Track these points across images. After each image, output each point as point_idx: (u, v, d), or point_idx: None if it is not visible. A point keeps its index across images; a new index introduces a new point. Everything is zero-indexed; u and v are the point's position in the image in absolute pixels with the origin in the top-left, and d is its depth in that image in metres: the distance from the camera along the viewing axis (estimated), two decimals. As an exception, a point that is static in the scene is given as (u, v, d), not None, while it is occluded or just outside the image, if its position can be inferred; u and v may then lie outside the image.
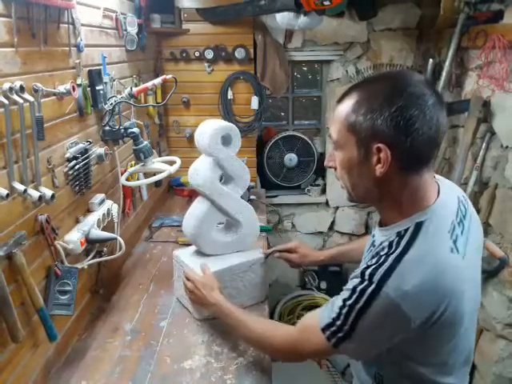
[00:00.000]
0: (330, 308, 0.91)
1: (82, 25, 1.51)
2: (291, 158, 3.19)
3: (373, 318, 0.83)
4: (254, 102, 2.86)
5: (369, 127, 0.82)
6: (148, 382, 1.26)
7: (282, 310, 3.14)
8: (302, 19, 2.44)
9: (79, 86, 1.47)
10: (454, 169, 2.30)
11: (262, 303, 1.63)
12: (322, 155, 3.28)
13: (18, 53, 1.14)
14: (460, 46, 2.31)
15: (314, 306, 3.12)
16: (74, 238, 1.39)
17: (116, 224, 1.71)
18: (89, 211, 1.57)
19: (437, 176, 0.98)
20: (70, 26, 1.43)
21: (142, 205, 2.32)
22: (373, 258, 0.88)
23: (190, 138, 2.91)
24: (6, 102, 1.05)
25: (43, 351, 1.26)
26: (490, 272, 2.02)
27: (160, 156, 2.57)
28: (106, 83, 1.72)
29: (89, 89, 1.58)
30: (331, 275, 3.23)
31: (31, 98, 1.13)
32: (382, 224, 0.96)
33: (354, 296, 0.84)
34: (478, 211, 2.19)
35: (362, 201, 0.99)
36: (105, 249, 1.62)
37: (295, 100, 3.37)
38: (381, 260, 0.84)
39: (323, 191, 3.30)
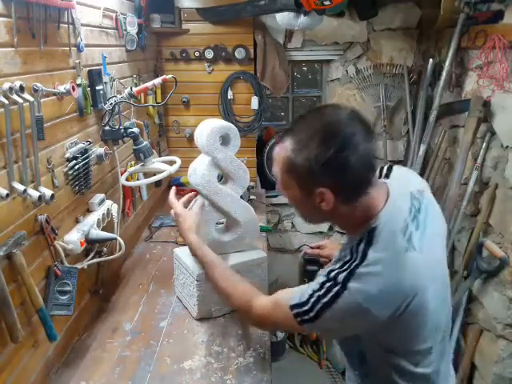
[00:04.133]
0: (302, 291, 0.96)
1: (82, 25, 1.51)
2: (291, 158, 3.18)
3: (336, 313, 0.89)
4: (254, 102, 2.86)
5: (308, 173, 0.88)
6: (148, 382, 1.26)
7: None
8: (302, 19, 2.44)
9: (79, 85, 1.47)
10: (453, 169, 2.29)
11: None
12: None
13: (18, 53, 1.14)
14: (460, 46, 2.30)
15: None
16: (73, 238, 1.39)
17: (116, 224, 1.71)
18: (88, 211, 1.57)
19: (395, 169, 1.04)
20: (70, 25, 1.43)
21: (142, 205, 2.32)
22: (336, 262, 0.94)
23: (190, 138, 2.91)
24: (5, 101, 1.05)
25: (43, 351, 1.26)
26: (491, 272, 2.02)
27: (160, 156, 2.57)
28: (105, 83, 1.72)
29: (89, 89, 1.58)
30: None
31: (31, 98, 1.13)
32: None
33: (322, 291, 0.91)
34: (478, 211, 2.19)
35: (316, 224, 1.08)
36: (104, 249, 1.62)
37: (295, 100, 3.36)
38: (345, 266, 0.90)
39: (323, 191, 3.29)
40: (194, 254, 1.35)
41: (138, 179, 2.05)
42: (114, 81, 1.82)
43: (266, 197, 3.06)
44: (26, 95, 1.12)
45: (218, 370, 1.30)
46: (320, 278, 0.94)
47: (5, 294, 1.03)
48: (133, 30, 2.05)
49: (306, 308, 0.93)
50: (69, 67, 1.45)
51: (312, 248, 1.53)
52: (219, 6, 2.68)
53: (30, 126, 1.16)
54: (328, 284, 0.90)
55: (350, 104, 3.06)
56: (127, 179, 1.82)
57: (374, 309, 0.87)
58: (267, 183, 3.23)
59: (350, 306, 0.88)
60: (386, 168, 1.07)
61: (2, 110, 1.05)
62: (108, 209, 1.64)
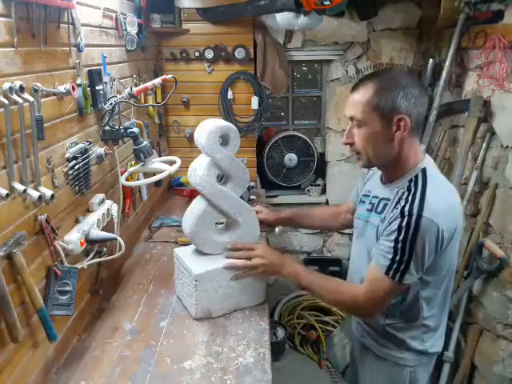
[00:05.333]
0: (382, 255, 1.13)
1: (82, 25, 1.51)
2: (291, 158, 3.19)
3: (423, 237, 1.07)
4: (254, 102, 2.86)
5: (390, 104, 1.11)
6: (148, 382, 1.26)
7: (282, 311, 3.14)
8: (302, 19, 2.44)
9: (79, 85, 1.47)
10: (454, 169, 2.29)
11: (262, 304, 1.63)
12: (322, 155, 3.28)
13: (18, 53, 1.14)
14: (460, 46, 2.31)
15: (313, 307, 3.12)
16: (73, 238, 1.39)
17: (116, 224, 1.71)
18: (88, 211, 1.57)
19: None
20: (70, 25, 1.42)
21: (142, 205, 2.32)
22: (400, 201, 1.14)
23: (190, 138, 2.91)
24: (5, 101, 1.04)
25: (43, 351, 1.26)
26: (491, 272, 2.02)
27: (160, 156, 2.57)
28: (105, 83, 1.72)
29: (89, 89, 1.58)
30: (331, 275, 3.22)
31: (31, 98, 1.13)
32: (384, 182, 1.26)
33: (403, 230, 1.08)
34: (478, 211, 2.19)
35: (377, 164, 1.24)
36: (104, 249, 1.62)
37: (295, 100, 3.37)
38: (410, 198, 1.11)
39: (323, 191, 3.30)
40: (298, 282, 1.40)
41: (137, 179, 2.05)
42: (114, 81, 1.82)
43: (266, 197, 3.07)
44: (26, 95, 1.12)
45: (218, 369, 1.30)
46: (391, 227, 1.11)
47: (5, 294, 1.03)
48: (133, 29, 2.05)
49: (397, 258, 1.09)
50: (69, 67, 1.45)
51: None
52: (219, 6, 2.68)
53: (29, 126, 1.16)
54: (405, 221, 1.08)
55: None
56: (127, 179, 1.82)
57: (443, 224, 1.07)
58: (267, 183, 3.23)
59: (429, 226, 1.06)
60: None
61: (2, 109, 1.05)
62: (108, 209, 1.64)
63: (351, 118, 1.18)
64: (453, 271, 1.24)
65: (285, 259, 1.44)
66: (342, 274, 3.22)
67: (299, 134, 3.18)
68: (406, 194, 1.12)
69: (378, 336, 1.32)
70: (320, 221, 1.71)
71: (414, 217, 1.07)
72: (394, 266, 1.10)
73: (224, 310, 1.56)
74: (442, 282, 1.21)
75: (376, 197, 1.27)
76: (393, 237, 1.10)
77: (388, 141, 1.14)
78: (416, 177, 1.15)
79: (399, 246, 1.09)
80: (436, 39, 2.72)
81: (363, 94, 1.14)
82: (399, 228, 1.09)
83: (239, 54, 2.78)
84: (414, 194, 1.11)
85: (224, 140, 1.48)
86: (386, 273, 1.12)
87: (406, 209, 1.09)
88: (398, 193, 1.17)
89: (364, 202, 1.33)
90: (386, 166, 1.23)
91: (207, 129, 1.44)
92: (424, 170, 1.16)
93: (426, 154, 1.23)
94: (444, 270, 1.19)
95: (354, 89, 1.18)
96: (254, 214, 1.61)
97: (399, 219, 1.09)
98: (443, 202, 1.10)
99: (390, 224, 1.13)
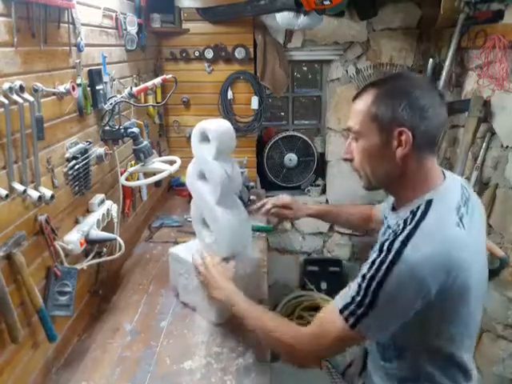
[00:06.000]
0: (345, 292, 0.96)
1: (82, 24, 1.51)
2: (291, 158, 3.19)
3: (394, 284, 0.87)
4: (254, 102, 2.86)
5: (390, 115, 0.94)
6: (148, 382, 1.26)
7: (282, 311, 3.13)
8: (302, 19, 2.44)
9: (79, 85, 1.47)
10: (454, 169, 2.29)
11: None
12: (322, 155, 3.28)
13: (18, 52, 1.14)
14: (460, 45, 2.31)
15: (314, 307, 3.12)
16: (73, 238, 1.38)
17: (116, 224, 1.71)
18: (88, 211, 1.57)
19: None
20: (70, 25, 1.42)
21: (142, 205, 2.31)
22: (390, 234, 0.95)
23: (190, 138, 2.90)
24: (5, 101, 1.04)
25: (43, 352, 1.26)
26: (491, 272, 2.02)
27: (160, 156, 2.57)
28: (105, 83, 1.72)
29: (89, 88, 1.57)
30: (331, 275, 3.23)
31: (31, 98, 1.13)
32: (394, 208, 1.07)
33: (374, 267, 0.90)
34: (479, 211, 2.19)
35: (379, 185, 1.06)
36: (104, 249, 1.61)
37: (295, 100, 3.36)
38: (397, 233, 0.92)
39: (323, 191, 3.30)
40: (234, 311, 1.25)
41: (138, 179, 2.05)
42: (113, 81, 1.81)
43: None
44: (26, 95, 1.11)
45: (217, 370, 1.30)
46: (368, 260, 0.93)
47: (5, 295, 1.03)
48: (133, 29, 2.05)
49: (358, 299, 0.91)
50: (69, 67, 1.45)
51: (277, 206, 1.58)
52: (219, 6, 2.68)
53: (29, 126, 1.16)
54: (380, 258, 0.89)
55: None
56: (127, 179, 1.82)
57: (426, 273, 0.86)
58: (267, 183, 3.23)
59: (406, 271, 0.86)
60: None
61: (2, 109, 1.05)
62: (108, 209, 1.64)
63: (349, 130, 1.04)
64: (464, 332, 1.00)
65: (225, 285, 1.30)
66: (342, 274, 3.22)
67: (299, 134, 3.18)
68: (401, 226, 0.93)
69: (384, 377, 1.13)
70: (345, 221, 1.62)
71: (392, 254, 0.87)
72: (352, 306, 0.92)
73: (187, 300, 1.59)
74: (449, 344, 0.99)
75: (386, 218, 1.13)
76: (362, 272, 0.93)
77: (389, 158, 0.96)
78: (418, 208, 0.95)
79: (364, 284, 0.90)
80: (436, 39, 2.72)
81: (364, 102, 0.99)
82: (371, 263, 0.91)
83: (239, 53, 2.78)
84: (404, 229, 0.91)
85: (204, 140, 1.46)
86: (341, 311, 0.93)
87: (387, 244, 0.90)
88: (397, 223, 0.98)
89: (383, 223, 1.16)
90: (389, 189, 1.07)
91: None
92: (429, 203, 0.94)
93: (448, 181, 1.01)
94: (448, 329, 0.97)
95: (356, 96, 1.03)
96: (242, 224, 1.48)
97: (376, 253, 0.92)
98: (432, 247, 0.87)
99: (370, 255, 0.95)
